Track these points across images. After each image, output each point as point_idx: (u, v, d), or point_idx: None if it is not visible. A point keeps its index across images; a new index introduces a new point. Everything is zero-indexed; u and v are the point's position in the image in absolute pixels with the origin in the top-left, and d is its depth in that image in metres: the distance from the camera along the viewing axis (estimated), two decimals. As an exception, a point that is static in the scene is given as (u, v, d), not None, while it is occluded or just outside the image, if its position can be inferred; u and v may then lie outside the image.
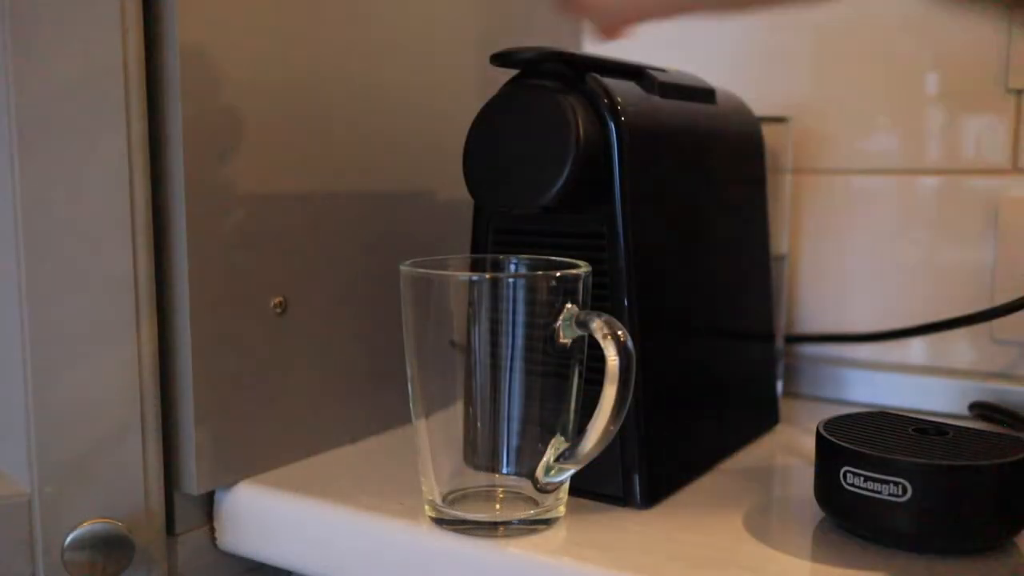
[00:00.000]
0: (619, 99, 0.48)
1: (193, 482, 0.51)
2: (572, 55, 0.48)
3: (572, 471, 0.45)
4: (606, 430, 0.43)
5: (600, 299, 0.49)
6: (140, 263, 0.49)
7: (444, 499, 0.47)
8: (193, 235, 0.50)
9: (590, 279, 0.46)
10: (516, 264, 0.49)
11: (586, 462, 0.44)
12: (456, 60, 0.66)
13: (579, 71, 0.48)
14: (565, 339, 0.44)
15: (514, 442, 0.46)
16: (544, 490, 0.46)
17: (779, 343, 0.70)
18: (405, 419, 0.58)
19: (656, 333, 0.50)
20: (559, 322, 0.44)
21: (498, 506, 0.47)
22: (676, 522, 0.48)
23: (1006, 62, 0.68)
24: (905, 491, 0.43)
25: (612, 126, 0.47)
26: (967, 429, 0.49)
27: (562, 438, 0.45)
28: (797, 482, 0.55)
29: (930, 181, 0.72)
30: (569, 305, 0.44)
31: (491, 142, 0.49)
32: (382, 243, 0.61)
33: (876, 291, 0.74)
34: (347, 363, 0.60)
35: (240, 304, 0.53)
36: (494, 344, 0.45)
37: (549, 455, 0.45)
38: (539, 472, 0.45)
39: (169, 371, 0.51)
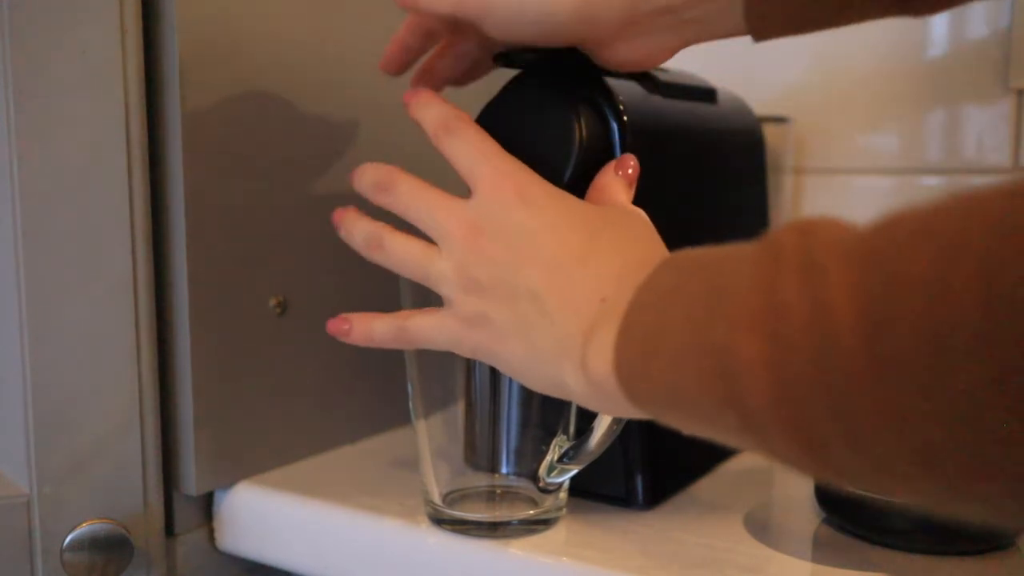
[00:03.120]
0: (621, 99, 0.48)
1: (192, 482, 0.51)
2: (575, 54, 0.48)
3: (575, 471, 0.45)
4: (610, 429, 0.42)
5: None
6: (140, 263, 0.48)
7: (444, 499, 0.47)
8: (193, 235, 0.50)
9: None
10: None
11: (589, 461, 0.44)
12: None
13: (581, 71, 0.48)
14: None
15: (514, 443, 0.46)
16: (546, 490, 0.46)
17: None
18: (405, 419, 0.58)
19: (656, 333, 0.50)
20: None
21: (498, 506, 0.47)
22: (677, 522, 0.48)
23: (1007, 61, 0.68)
24: (906, 491, 0.43)
25: (614, 126, 0.47)
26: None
27: (564, 437, 0.45)
28: (797, 482, 0.54)
29: (931, 181, 0.72)
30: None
31: (492, 142, 0.49)
32: (382, 243, 0.61)
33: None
34: (347, 363, 0.59)
35: (240, 304, 0.53)
36: (494, 344, 0.45)
37: (552, 455, 0.45)
38: (542, 471, 0.45)
39: (168, 371, 0.51)
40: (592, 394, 0.37)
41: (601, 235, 0.40)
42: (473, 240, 0.40)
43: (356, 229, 0.45)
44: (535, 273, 0.39)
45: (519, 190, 0.41)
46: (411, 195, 0.43)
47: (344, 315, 0.45)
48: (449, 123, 0.43)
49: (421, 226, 0.42)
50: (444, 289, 0.41)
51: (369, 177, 0.44)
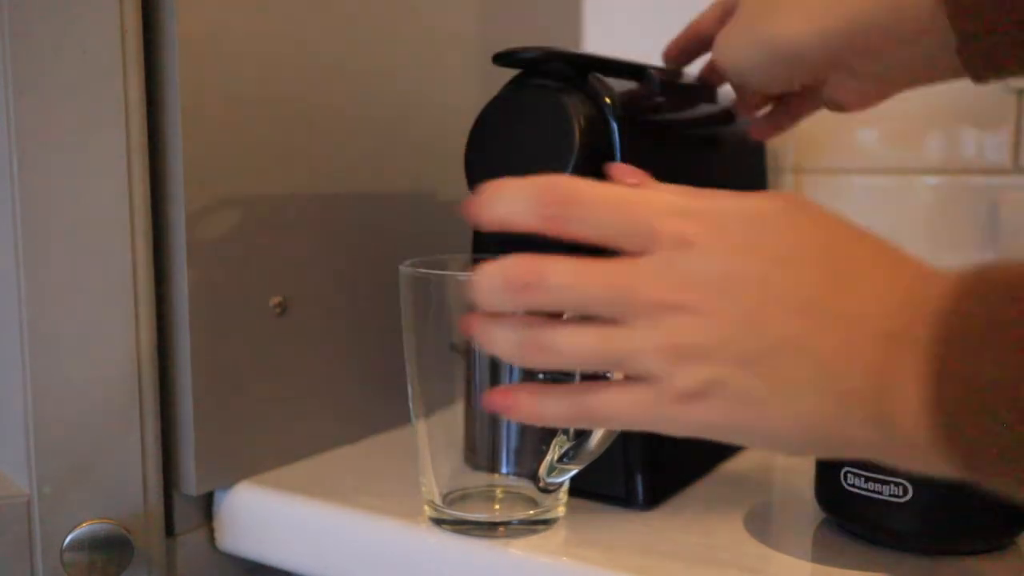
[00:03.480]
0: (621, 98, 0.48)
1: (192, 482, 0.51)
2: (574, 55, 0.48)
3: (575, 471, 0.45)
4: (610, 429, 0.42)
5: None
6: (140, 263, 0.49)
7: (444, 499, 0.47)
8: (192, 235, 0.50)
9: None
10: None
11: (589, 461, 0.44)
12: (457, 60, 0.66)
13: (581, 71, 0.48)
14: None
15: (514, 442, 0.46)
16: (546, 490, 0.46)
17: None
18: (405, 419, 0.58)
19: (656, 333, 0.50)
20: (560, 322, 0.44)
21: (498, 506, 0.47)
22: (677, 522, 0.48)
23: (1006, 62, 0.68)
24: (906, 491, 0.43)
25: (614, 125, 0.47)
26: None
27: (564, 437, 0.45)
28: (797, 482, 0.54)
29: (930, 181, 0.72)
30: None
31: (493, 142, 0.49)
32: (382, 243, 0.61)
33: (876, 291, 0.74)
34: (347, 363, 0.59)
35: (240, 304, 0.53)
36: (494, 344, 0.45)
37: (552, 455, 0.45)
38: (542, 471, 0.45)
39: (168, 371, 0.51)
40: (890, 451, 0.32)
41: (831, 251, 0.34)
42: (682, 301, 0.33)
43: (496, 337, 0.37)
44: (790, 321, 0.32)
45: (718, 227, 0.34)
46: (571, 281, 0.34)
47: (507, 389, 0.38)
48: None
49: (601, 312, 0.35)
50: (645, 366, 0.34)
51: (500, 279, 0.35)
